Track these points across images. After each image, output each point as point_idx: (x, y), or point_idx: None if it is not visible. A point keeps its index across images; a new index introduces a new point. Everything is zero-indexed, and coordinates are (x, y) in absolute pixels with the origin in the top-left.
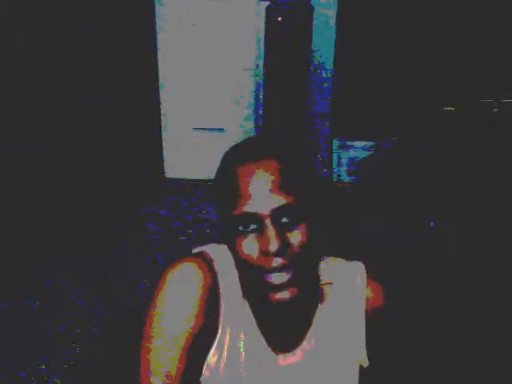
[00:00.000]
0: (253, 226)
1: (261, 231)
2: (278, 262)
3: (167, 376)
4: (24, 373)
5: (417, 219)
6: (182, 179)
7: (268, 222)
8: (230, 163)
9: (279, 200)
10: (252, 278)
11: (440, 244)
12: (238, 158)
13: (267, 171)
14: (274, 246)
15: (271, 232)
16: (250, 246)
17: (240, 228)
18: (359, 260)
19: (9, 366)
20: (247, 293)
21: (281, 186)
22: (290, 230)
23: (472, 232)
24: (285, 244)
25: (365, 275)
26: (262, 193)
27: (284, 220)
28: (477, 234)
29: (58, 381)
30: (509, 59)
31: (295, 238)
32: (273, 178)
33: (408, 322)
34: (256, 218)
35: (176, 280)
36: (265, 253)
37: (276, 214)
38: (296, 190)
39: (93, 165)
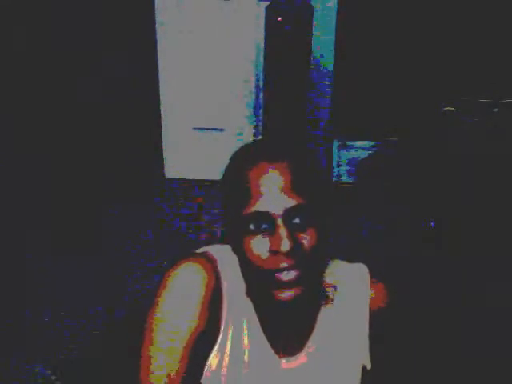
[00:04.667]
0: (264, 226)
1: (272, 231)
2: (287, 262)
3: (168, 376)
4: (24, 372)
5: (417, 219)
6: (182, 179)
7: (280, 221)
8: (240, 163)
9: (292, 200)
10: (259, 278)
11: (440, 244)
12: (249, 158)
13: (280, 172)
14: (285, 245)
15: (283, 232)
16: (259, 246)
17: (250, 227)
18: (361, 261)
19: (8, 366)
20: (252, 293)
21: (293, 187)
22: (301, 231)
23: (472, 232)
24: (296, 244)
25: (368, 277)
26: (274, 193)
27: (296, 221)
28: (477, 234)
29: (58, 381)
30: (509, 59)
31: (306, 239)
32: (286, 178)
33: (411, 324)
34: (268, 218)
35: (179, 280)
36: (275, 252)
37: (289, 214)
38: (308, 192)
39: (92, 165)
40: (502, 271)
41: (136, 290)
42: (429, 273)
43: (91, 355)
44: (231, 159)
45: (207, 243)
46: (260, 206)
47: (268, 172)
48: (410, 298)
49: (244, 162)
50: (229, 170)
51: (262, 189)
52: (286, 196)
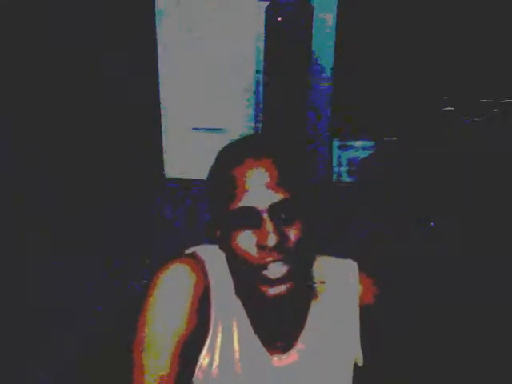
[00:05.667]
0: (251, 221)
1: (258, 226)
2: (274, 256)
3: (159, 377)
4: (24, 373)
5: (417, 219)
6: (182, 179)
7: (266, 216)
8: (226, 160)
9: (277, 195)
10: (247, 274)
11: (440, 244)
12: (235, 155)
13: (265, 167)
14: (272, 240)
15: (269, 226)
16: (246, 241)
17: (237, 223)
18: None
19: (8, 367)
20: (241, 290)
21: (279, 182)
22: (287, 226)
23: (472, 232)
24: (283, 239)
25: (357, 272)
26: (260, 188)
27: (282, 215)
28: (477, 234)
29: (58, 381)
30: (509, 59)
31: (292, 233)
32: (271, 174)
33: (401, 320)
34: (254, 213)
35: (167, 281)
36: (262, 247)
37: (274, 209)
38: (293, 187)
39: (93, 165)
40: (502, 271)
41: (136, 289)
42: (429, 273)
43: (91, 355)
44: (217, 157)
45: (207, 243)
46: (246, 201)
47: (253, 168)
48: (410, 298)
49: (229, 159)
50: (215, 167)
51: (248, 184)
52: (271, 191)
